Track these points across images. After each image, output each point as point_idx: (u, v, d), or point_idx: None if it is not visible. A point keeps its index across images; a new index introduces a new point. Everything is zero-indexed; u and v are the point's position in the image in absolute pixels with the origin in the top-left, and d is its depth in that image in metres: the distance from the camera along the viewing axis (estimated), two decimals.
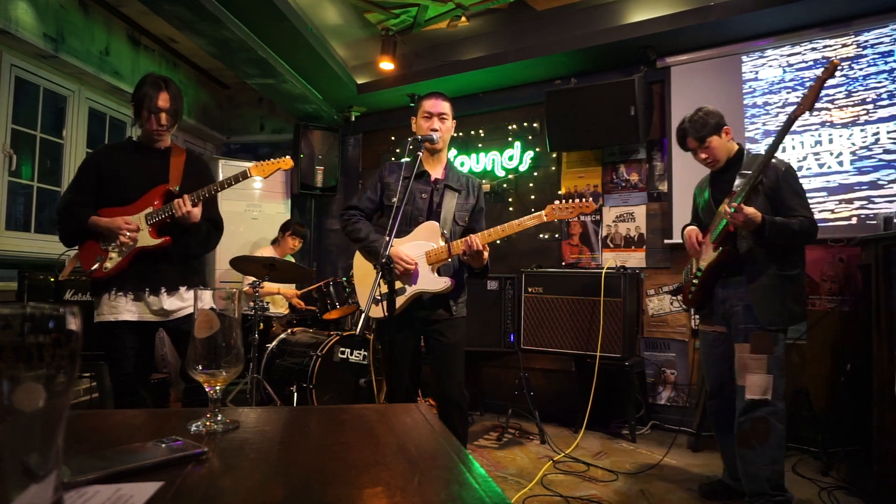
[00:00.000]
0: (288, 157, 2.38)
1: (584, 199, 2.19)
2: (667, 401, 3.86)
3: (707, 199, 2.49)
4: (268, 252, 4.15)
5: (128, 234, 2.17)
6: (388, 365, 2.09)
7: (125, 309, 2.20)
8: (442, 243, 2.24)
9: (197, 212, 2.21)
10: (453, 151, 4.75)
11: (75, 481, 0.56)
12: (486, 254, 2.19)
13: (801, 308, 2.33)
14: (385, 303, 2.26)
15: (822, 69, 2.16)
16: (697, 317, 3.30)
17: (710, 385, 2.55)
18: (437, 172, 2.39)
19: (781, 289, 2.26)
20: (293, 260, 4.27)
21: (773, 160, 2.29)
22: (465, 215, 2.36)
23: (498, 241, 3.28)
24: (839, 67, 2.24)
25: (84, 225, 2.20)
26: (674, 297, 3.85)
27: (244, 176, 2.28)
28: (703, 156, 2.43)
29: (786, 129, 2.20)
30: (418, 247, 2.27)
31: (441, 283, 2.22)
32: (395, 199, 2.30)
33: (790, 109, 3.47)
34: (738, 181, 2.32)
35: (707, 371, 2.57)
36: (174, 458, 0.65)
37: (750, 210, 2.15)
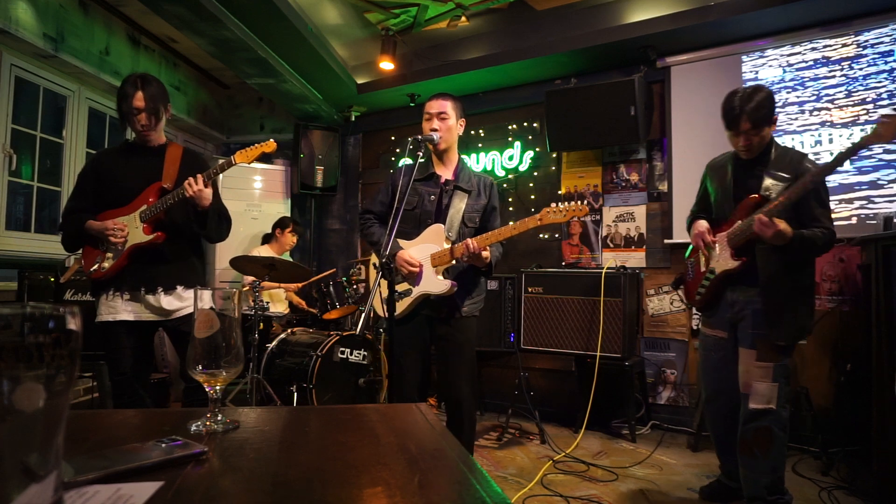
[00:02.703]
0: (271, 140, 2.38)
1: (578, 203, 2.10)
2: (667, 401, 3.86)
3: (728, 188, 2.33)
4: (264, 252, 4.15)
5: (116, 234, 2.19)
6: (391, 364, 2.09)
7: (122, 309, 2.21)
8: (446, 246, 2.24)
9: (208, 193, 2.21)
10: None
11: (75, 481, 0.56)
12: (485, 254, 2.18)
13: (811, 320, 2.26)
14: (390, 301, 2.28)
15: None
16: (698, 315, 3.27)
17: (706, 389, 2.49)
18: (446, 173, 2.39)
19: (795, 302, 2.18)
20: (291, 259, 4.27)
21: (806, 162, 2.20)
22: (476, 216, 2.35)
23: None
24: None
25: (81, 230, 2.25)
26: (674, 291, 3.80)
27: (229, 164, 2.26)
28: (746, 143, 2.19)
29: (850, 154, 2.06)
30: (425, 249, 2.28)
31: (443, 286, 2.22)
32: (403, 202, 2.32)
33: (790, 109, 3.51)
34: (769, 181, 2.19)
35: (704, 375, 2.51)
36: (174, 458, 0.65)
37: (783, 225, 2.04)
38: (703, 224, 2.37)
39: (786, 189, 2.13)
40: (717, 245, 2.31)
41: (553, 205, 2.15)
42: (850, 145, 2.06)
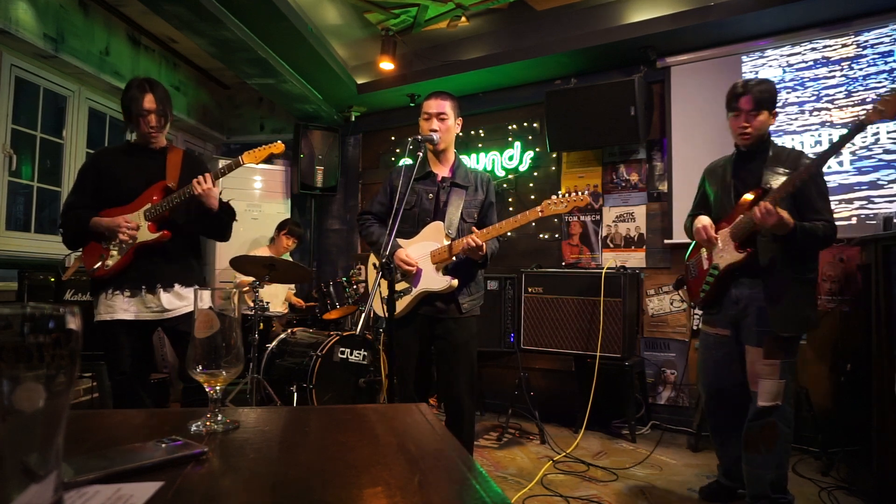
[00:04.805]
0: (279, 141, 2.37)
1: (579, 193, 2.13)
2: (667, 401, 3.86)
3: (728, 186, 2.35)
4: (263, 252, 4.15)
5: (127, 231, 2.19)
6: (391, 365, 2.08)
7: (121, 308, 2.22)
8: (446, 243, 2.25)
9: (216, 192, 2.25)
10: None
11: (75, 481, 0.56)
12: (484, 246, 2.18)
13: (815, 313, 2.26)
14: (390, 301, 2.28)
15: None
16: (698, 314, 3.26)
17: (707, 387, 2.47)
18: (443, 172, 2.41)
19: (798, 294, 2.17)
20: (291, 259, 4.27)
21: (804, 158, 2.21)
22: (474, 211, 2.37)
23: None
24: None
25: (86, 227, 2.24)
26: (674, 291, 3.81)
27: (237, 164, 2.28)
28: (745, 124, 2.23)
29: (850, 137, 2.04)
30: (424, 247, 2.29)
31: (444, 282, 2.22)
32: (403, 202, 2.33)
33: (790, 109, 3.51)
34: (768, 175, 2.21)
35: (704, 373, 2.49)
36: (174, 458, 0.65)
37: (784, 214, 2.04)
38: (705, 219, 2.37)
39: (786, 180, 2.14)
40: (719, 241, 2.31)
41: (554, 196, 2.17)
42: (851, 127, 2.06)
